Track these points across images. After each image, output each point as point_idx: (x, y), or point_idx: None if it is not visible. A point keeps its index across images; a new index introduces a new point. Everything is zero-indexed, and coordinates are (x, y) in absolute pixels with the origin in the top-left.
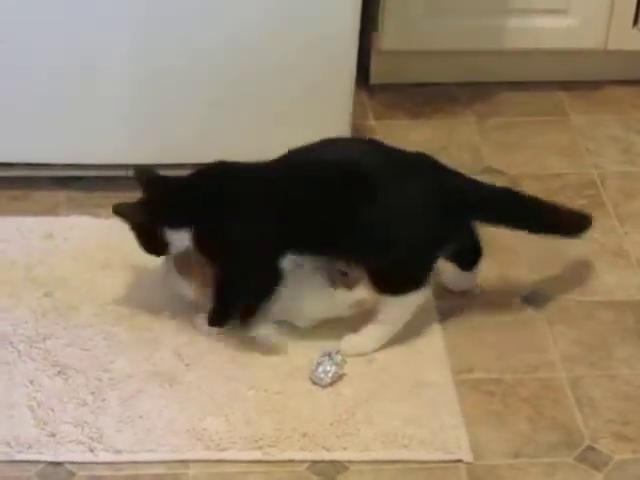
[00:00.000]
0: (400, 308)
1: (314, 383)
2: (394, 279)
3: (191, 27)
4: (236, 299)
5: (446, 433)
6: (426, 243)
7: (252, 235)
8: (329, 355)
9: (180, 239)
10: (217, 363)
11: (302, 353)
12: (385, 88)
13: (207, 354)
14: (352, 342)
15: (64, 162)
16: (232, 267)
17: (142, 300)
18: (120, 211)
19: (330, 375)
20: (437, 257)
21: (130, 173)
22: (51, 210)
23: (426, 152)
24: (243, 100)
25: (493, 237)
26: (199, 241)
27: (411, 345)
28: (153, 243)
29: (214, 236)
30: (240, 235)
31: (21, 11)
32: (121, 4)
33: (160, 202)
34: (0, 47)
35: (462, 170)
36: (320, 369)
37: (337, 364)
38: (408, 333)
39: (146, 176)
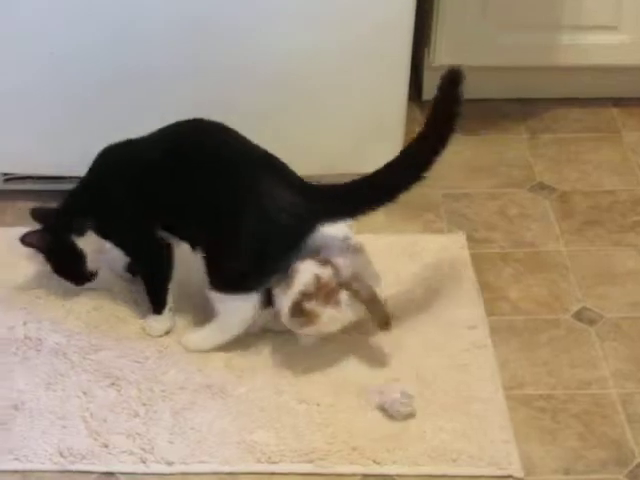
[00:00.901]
0: (228, 308)
1: (383, 411)
2: (222, 274)
3: (245, 43)
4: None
5: (496, 448)
6: (264, 247)
7: (126, 215)
8: (406, 394)
9: (90, 242)
10: (268, 376)
11: (353, 367)
12: None
13: (258, 367)
14: (190, 338)
15: None
16: (125, 245)
17: (194, 313)
18: (27, 241)
19: (407, 411)
20: (272, 266)
21: None
22: None
23: (473, 168)
24: (298, 114)
25: (543, 253)
26: (99, 234)
27: (462, 360)
28: (70, 261)
29: (103, 224)
30: (116, 217)
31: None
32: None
33: (58, 217)
34: (55, 62)
35: (513, 186)
36: (397, 405)
37: (413, 405)
38: (459, 348)
39: (40, 212)
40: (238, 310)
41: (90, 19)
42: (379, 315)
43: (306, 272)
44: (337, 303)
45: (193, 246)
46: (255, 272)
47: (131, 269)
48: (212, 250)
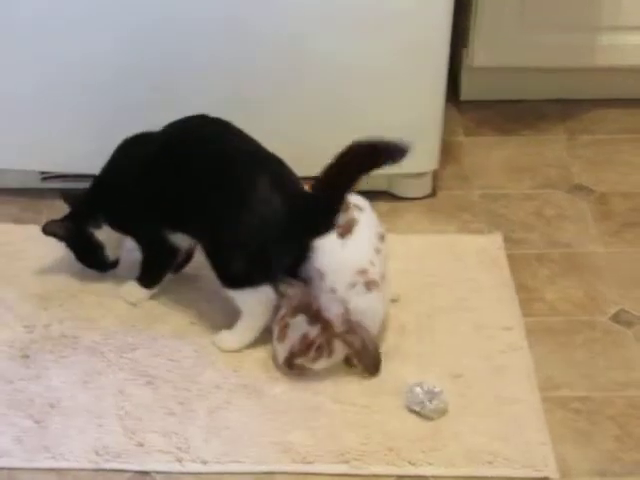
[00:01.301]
0: (244, 302)
1: (416, 413)
2: (225, 271)
3: (283, 48)
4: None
5: (532, 450)
6: (265, 240)
7: (132, 208)
8: (433, 391)
9: (107, 235)
10: (303, 376)
11: (388, 368)
12: (475, 104)
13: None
14: (222, 338)
15: None
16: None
17: (230, 313)
18: (49, 230)
19: (440, 412)
20: (274, 262)
21: None
22: None
23: (511, 168)
24: (334, 116)
25: (580, 254)
26: (113, 226)
27: (498, 362)
28: (90, 251)
29: (116, 217)
30: (124, 210)
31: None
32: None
33: (78, 209)
34: (94, 63)
35: (551, 187)
36: (431, 405)
37: (444, 400)
38: (495, 349)
39: (69, 195)
40: (254, 302)
41: (124, 16)
42: (367, 363)
43: (295, 330)
44: (330, 352)
45: (198, 242)
46: (257, 268)
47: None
48: (213, 247)
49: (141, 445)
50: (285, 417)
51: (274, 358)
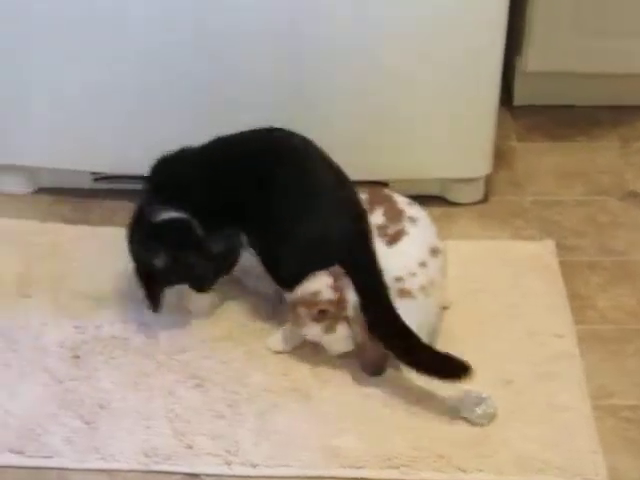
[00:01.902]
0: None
1: (465, 419)
2: (283, 273)
3: (339, 51)
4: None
5: (583, 459)
6: (327, 252)
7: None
8: (481, 397)
9: None
10: (353, 381)
11: None
12: (529, 110)
13: (344, 372)
14: (273, 339)
15: None
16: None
17: (281, 315)
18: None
19: (489, 417)
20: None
21: None
22: None
23: (564, 174)
24: (389, 120)
25: (633, 262)
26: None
27: (549, 369)
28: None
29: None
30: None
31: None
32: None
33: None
34: (147, 64)
35: (604, 194)
36: (479, 411)
37: (493, 406)
38: (546, 356)
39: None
40: None
41: (182, 22)
42: (366, 362)
43: (314, 282)
44: (329, 328)
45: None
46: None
47: None
48: (274, 252)
49: (190, 447)
50: (334, 421)
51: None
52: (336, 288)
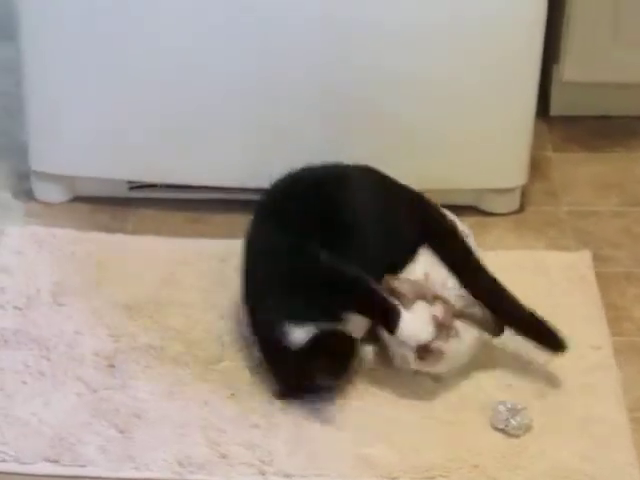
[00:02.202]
0: None
1: (500, 430)
2: None
3: (369, 58)
4: None
5: (619, 471)
6: None
7: None
8: (517, 408)
9: None
10: (387, 391)
11: (474, 384)
12: (565, 120)
13: (378, 382)
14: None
15: (242, 186)
16: None
17: None
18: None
19: (524, 428)
20: None
21: None
22: (229, 233)
23: (599, 185)
24: (424, 130)
25: None
26: None
27: (585, 380)
28: None
29: None
30: None
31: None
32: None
33: None
34: (187, 74)
35: (639, 204)
36: (514, 422)
37: (528, 417)
38: (583, 368)
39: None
40: None
41: (236, 40)
42: (492, 326)
43: (422, 315)
44: (456, 332)
45: None
46: None
47: None
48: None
49: (224, 457)
50: (369, 430)
51: (395, 363)
52: (433, 298)
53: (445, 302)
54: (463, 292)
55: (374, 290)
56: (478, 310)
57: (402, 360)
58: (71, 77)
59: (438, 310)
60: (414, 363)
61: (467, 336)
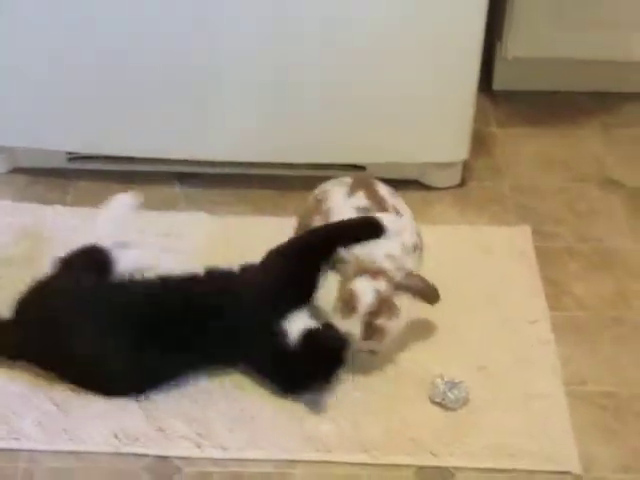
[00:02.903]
0: None
1: (437, 404)
2: None
3: (320, 28)
4: None
5: (555, 445)
6: None
7: None
8: (454, 382)
9: None
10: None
11: (412, 359)
12: (509, 95)
13: None
14: None
15: (182, 158)
16: None
17: None
18: None
19: (461, 402)
20: None
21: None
22: (167, 206)
23: (543, 161)
24: (367, 103)
25: (611, 249)
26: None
27: (523, 355)
28: None
29: None
30: None
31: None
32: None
33: None
34: (125, 44)
35: (583, 180)
36: (452, 395)
37: (466, 391)
38: (521, 343)
39: None
40: None
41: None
42: (431, 296)
43: (366, 291)
44: (397, 311)
45: None
46: None
47: None
48: None
49: (161, 430)
50: (307, 406)
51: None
52: (376, 273)
53: (388, 278)
54: (403, 264)
55: (337, 223)
56: (417, 281)
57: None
58: (9, 50)
59: (381, 285)
60: (359, 341)
61: (405, 312)
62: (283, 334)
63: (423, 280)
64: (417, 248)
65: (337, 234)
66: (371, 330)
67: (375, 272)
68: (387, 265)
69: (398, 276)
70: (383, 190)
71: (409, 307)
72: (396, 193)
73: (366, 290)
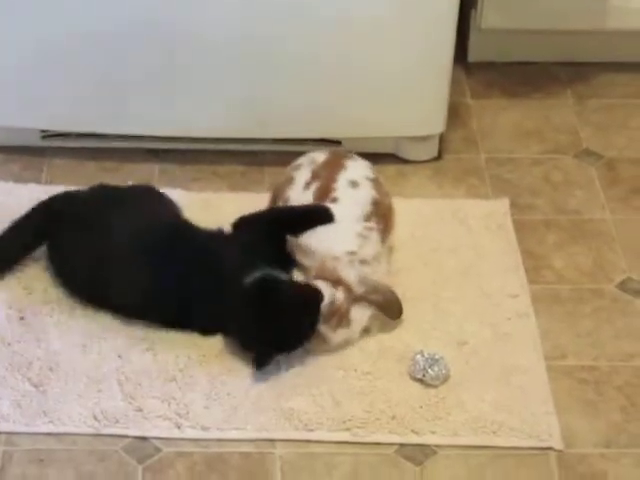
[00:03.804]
0: None
1: (418, 380)
2: None
3: (287, 5)
4: None
5: (537, 420)
6: None
7: None
8: (434, 358)
9: None
10: (314, 353)
11: (391, 335)
12: (484, 66)
13: None
14: None
15: (158, 134)
16: None
17: None
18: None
19: (442, 378)
20: None
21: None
22: (142, 182)
23: (518, 132)
24: (340, 76)
25: (588, 221)
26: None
27: (504, 330)
28: None
29: None
30: None
31: None
32: None
33: None
34: (96, 19)
35: (559, 152)
36: (432, 372)
37: (446, 367)
38: (500, 317)
39: None
40: None
41: None
42: (392, 312)
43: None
44: (348, 322)
45: None
46: None
47: None
48: None
49: (140, 410)
50: (287, 383)
51: None
52: (335, 282)
53: (347, 288)
54: (365, 276)
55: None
56: (379, 295)
57: None
58: None
59: (339, 295)
60: None
61: (357, 324)
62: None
63: (386, 294)
64: (371, 230)
65: (293, 214)
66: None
67: (336, 280)
68: (349, 275)
69: (359, 288)
70: (352, 169)
71: (364, 318)
72: (372, 167)
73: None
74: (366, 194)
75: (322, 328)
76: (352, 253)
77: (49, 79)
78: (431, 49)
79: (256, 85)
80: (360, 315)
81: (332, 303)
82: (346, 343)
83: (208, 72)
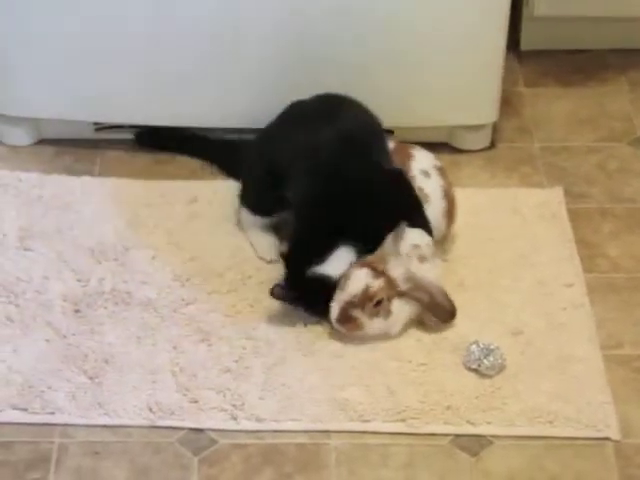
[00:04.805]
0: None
1: (473, 371)
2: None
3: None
4: None
5: (593, 410)
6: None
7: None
8: (489, 348)
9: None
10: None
11: (447, 325)
12: (537, 54)
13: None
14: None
15: (209, 126)
16: None
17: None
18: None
19: (497, 368)
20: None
21: None
22: (195, 174)
23: (573, 120)
24: (394, 66)
25: None
26: None
27: (559, 319)
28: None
29: None
30: None
31: None
32: None
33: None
34: (139, 14)
35: (613, 139)
36: (487, 362)
37: (502, 357)
38: (556, 306)
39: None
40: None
41: None
42: (440, 314)
43: (357, 281)
44: (387, 313)
45: None
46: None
47: None
48: None
49: (195, 402)
50: (341, 374)
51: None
52: (378, 273)
53: (388, 281)
54: (414, 274)
55: None
56: (426, 295)
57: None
58: (35, 18)
59: (376, 283)
60: (334, 323)
61: (397, 318)
62: None
63: (435, 295)
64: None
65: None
66: (344, 317)
67: (380, 272)
68: (395, 270)
69: (404, 285)
70: (420, 161)
71: (404, 314)
72: (434, 157)
73: (358, 280)
74: (436, 184)
75: (355, 312)
76: (416, 247)
77: (102, 72)
78: (483, 38)
79: (310, 76)
80: (400, 310)
81: (367, 289)
82: (384, 335)
83: (258, 64)
